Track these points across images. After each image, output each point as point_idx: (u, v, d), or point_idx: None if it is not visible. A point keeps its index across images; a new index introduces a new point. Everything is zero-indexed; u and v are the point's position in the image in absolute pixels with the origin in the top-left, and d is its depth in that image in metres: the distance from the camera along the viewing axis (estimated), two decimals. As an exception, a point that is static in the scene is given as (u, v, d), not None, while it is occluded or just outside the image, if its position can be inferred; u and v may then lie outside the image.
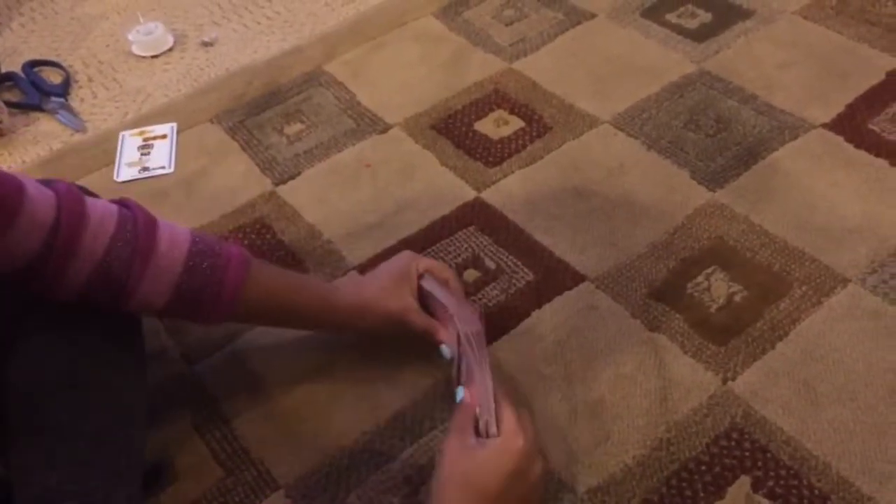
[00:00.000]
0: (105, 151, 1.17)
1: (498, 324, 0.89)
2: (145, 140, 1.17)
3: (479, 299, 0.92)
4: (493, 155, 1.09)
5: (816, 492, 0.73)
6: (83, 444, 0.70)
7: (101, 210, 0.69)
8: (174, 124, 1.19)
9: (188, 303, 0.72)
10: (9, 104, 1.24)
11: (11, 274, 0.67)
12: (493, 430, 0.68)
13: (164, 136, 1.18)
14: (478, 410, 0.69)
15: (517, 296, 0.92)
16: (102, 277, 0.68)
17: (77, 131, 1.22)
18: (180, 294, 0.71)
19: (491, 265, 0.95)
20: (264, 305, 0.77)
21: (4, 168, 1.15)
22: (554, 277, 0.93)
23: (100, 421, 0.72)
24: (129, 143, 1.17)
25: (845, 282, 0.89)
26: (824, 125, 1.07)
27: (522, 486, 0.65)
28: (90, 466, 0.70)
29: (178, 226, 0.74)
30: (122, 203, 0.72)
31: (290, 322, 0.84)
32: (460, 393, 0.72)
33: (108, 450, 0.71)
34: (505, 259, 0.96)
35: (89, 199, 0.70)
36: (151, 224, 0.71)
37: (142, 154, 1.15)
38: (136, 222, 0.70)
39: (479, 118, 1.15)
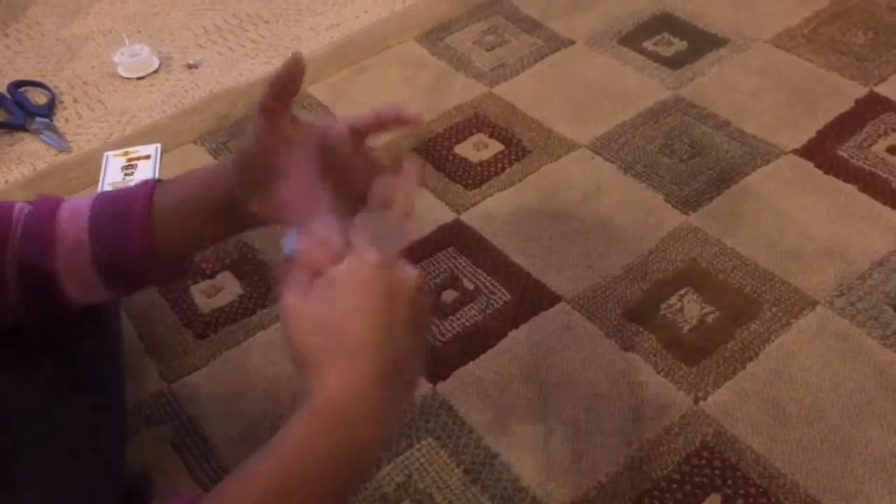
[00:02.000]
0: (89, 171, 1.18)
1: (476, 344, 0.90)
2: (129, 160, 1.18)
3: (458, 319, 0.93)
4: (473, 178, 1.11)
5: (784, 509, 0.75)
6: (61, 465, 0.71)
7: (18, 210, 0.66)
8: (158, 145, 1.21)
9: (112, 264, 0.65)
10: (-7, 124, 1.25)
11: None
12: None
13: (147, 157, 1.19)
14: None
15: (494, 316, 0.93)
16: (28, 276, 0.65)
17: (61, 151, 1.23)
18: (100, 256, 0.64)
19: (469, 286, 0.97)
20: (180, 225, 0.65)
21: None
22: (531, 298, 0.95)
23: (76, 441, 0.72)
24: (113, 164, 1.18)
25: (814, 304, 0.91)
26: (795, 151, 1.10)
27: (401, 312, 0.50)
28: (69, 488, 0.70)
29: (84, 198, 0.67)
30: (37, 196, 0.69)
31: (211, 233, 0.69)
32: (290, 243, 0.56)
33: (86, 470, 0.72)
34: (483, 280, 0.97)
35: (16, 205, 0.67)
36: (52, 206, 0.66)
37: (125, 174, 1.16)
38: (36, 212, 0.66)
39: (459, 141, 1.17)
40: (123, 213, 0.64)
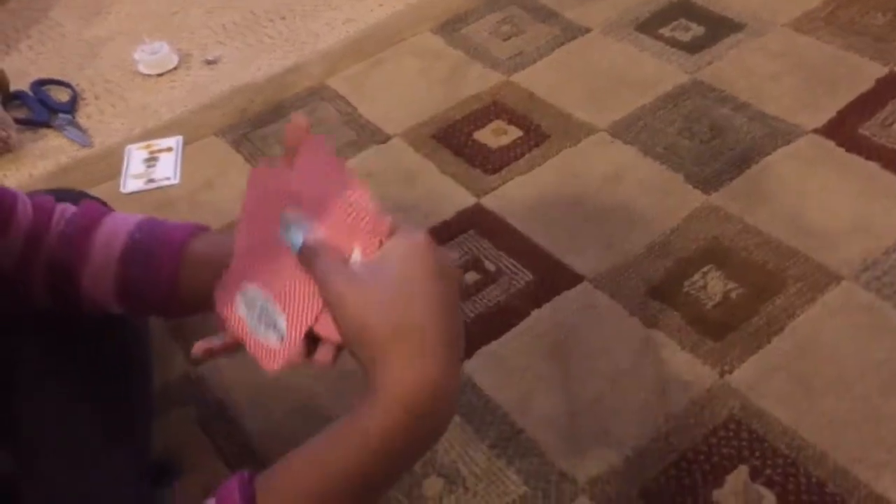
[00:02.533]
0: (111, 165, 1.19)
1: (499, 323, 0.90)
2: (151, 153, 1.20)
3: (480, 300, 0.93)
4: (492, 163, 1.11)
5: (814, 479, 0.74)
6: (90, 444, 0.72)
7: (60, 213, 0.67)
8: (180, 137, 1.22)
9: (134, 296, 0.65)
10: (17, 121, 1.27)
11: None
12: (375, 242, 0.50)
13: (169, 149, 1.20)
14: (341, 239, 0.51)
15: (517, 296, 0.93)
16: (55, 279, 0.66)
17: (84, 146, 1.25)
18: (124, 288, 0.64)
19: (491, 267, 0.97)
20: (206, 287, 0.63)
21: (12, 182, 1.18)
22: (553, 278, 0.95)
23: (106, 422, 0.73)
24: (136, 156, 1.19)
25: (839, 279, 0.91)
26: (816, 130, 1.10)
27: (452, 290, 0.48)
28: (98, 466, 0.71)
29: (127, 217, 0.67)
30: (83, 203, 0.69)
31: None
32: (297, 235, 0.52)
33: (115, 449, 0.72)
34: (504, 261, 0.97)
35: (59, 205, 0.68)
36: (93, 222, 0.66)
37: (147, 166, 1.17)
38: (77, 221, 0.66)
39: (477, 128, 1.17)
40: (155, 255, 0.64)
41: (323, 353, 0.52)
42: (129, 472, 0.70)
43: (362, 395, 0.46)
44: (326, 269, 0.49)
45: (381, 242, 0.50)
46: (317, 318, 0.51)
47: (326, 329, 0.51)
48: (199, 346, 0.58)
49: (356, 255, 0.50)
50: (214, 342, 0.58)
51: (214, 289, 0.57)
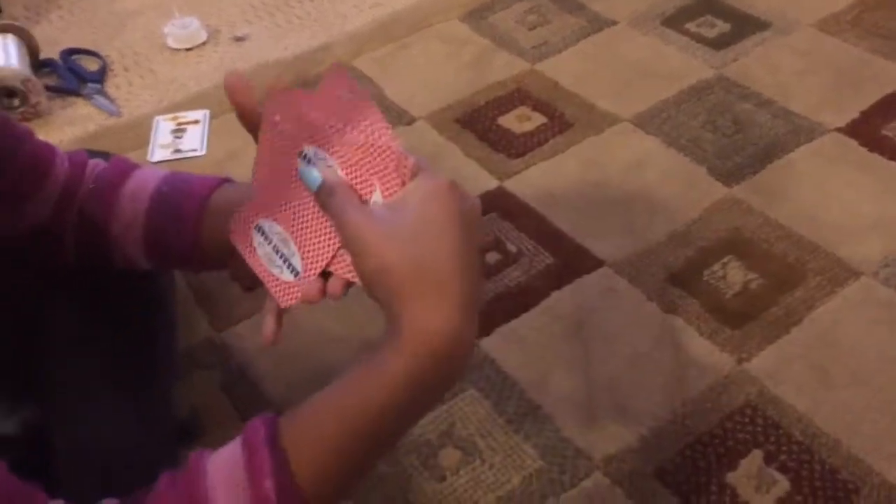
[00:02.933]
0: (139, 134, 1.21)
1: (518, 303, 0.91)
2: (178, 124, 1.21)
3: (501, 280, 0.94)
4: (516, 148, 1.12)
5: (827, 466, 0.75)
6: (117, 398, 0.73)
7: (92, 167, 0.69)
8: (207, 111, 1.23)
9: (160, 247, 0.66)
10: (47, 88, 1.28)
11: (20, 239, 0.67)
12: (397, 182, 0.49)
13: (196, 122, 1.21)
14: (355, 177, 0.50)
15: (537, 277, 0.94)
16: (84, 231, 0.67)
17: (112, 115, 1.26)
18: (151, 239, 0.66)
19: (512, 248, 0.98)
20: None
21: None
22: (573, 261, 0.96)
23: (132, 377, 0.75)
24: (163, 127, 1.21)
25: (858, 274, 0.91)
26: (839, 129, 1.10)
27: (473, 233, 0.47)
28: (124, 420, 0.72)
29: (155, 171, 0.68)
30: (112, 158, 0.71)
31: None
32: (314, 172, 0.50)
33: (140, 404, 0.74)
34: (526, 243, 0.98)
35: (91, 160, 0.69)
36: (122, 175, 0.67)
37: (175, 137, 1.19)
38: (106, 176, 0.67)
39: (502, 114, 1.18)
40: (178, 207, 0.65)
41: (333, 287, 0.52)
42: (154, 426, 0.72)
43: (382, 336, 0.46)
44: (344, 208, 0.48)
45: (403, 183, 0.49)
46: (333, 257, 0.51)
47: (343, 268, 0.51)
48: (267, 338, 0.58)
49: (377, 196, 0.49)
50: (269, 324, 0.58)
51: (231, 223, 0.56)
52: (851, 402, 0.79)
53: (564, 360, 0.86)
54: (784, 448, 0.76)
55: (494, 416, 0.81)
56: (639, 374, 0.83)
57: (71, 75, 1.32)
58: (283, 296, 0.55)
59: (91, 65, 1.36)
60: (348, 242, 0.48)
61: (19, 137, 0.65)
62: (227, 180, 0.66)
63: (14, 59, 1.24)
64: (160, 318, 0.81)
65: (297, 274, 0.53)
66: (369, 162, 0.50)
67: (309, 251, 0.52)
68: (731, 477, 0.75)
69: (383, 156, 0.49)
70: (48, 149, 0.68)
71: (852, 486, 0.73)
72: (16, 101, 1.23)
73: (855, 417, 0.78)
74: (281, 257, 0.54)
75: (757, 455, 0.76)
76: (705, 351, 0.85)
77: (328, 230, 0.51)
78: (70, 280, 0.74)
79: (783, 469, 0.75)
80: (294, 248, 0.53)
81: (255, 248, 0.55)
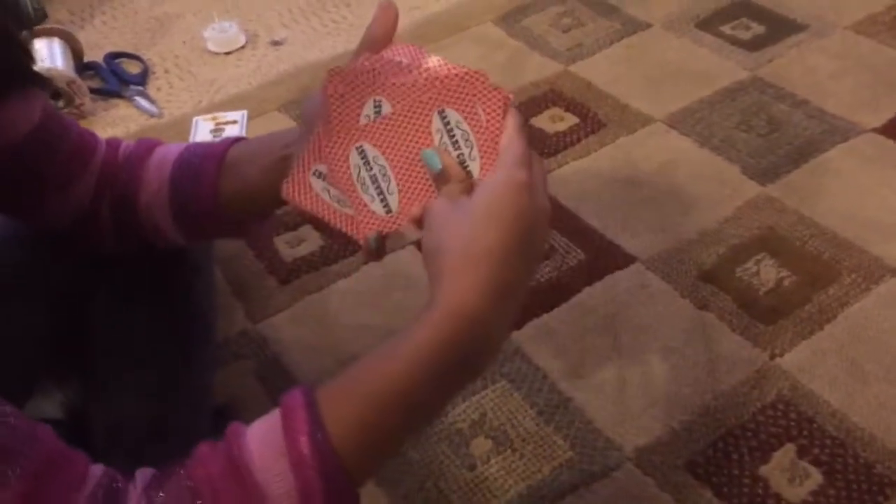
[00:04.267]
0: (179, 133, 1.23)
1: (550, 298, 0.92)
2: (217, 124, 1.24)
3: (532, 275, 0.95)
4: (549, 146, 1.13)
5: (862, 460, 0.74)
6: (158, 377, 0.75)
7: (124, 148, 0.71)
8: (245, 111, 1.26)
9: (184, 211, 0.68)
10: (91, 90, 1.32)
11: (66, 229, 0.70)
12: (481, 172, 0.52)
13: (234, 122, 1.24)
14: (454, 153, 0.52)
15: (569, 273, 0.95)
16: (118, 209, 0.69)
17: (153, 116, 1.29)
18: (176, 203, 0.68)
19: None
20: (245, 192, 0.67)
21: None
22: (605, 258, 0.96)
23: (172, 359, 0.77)
24: (202, 127, 1.23)
25: (894, 272, 0.91)
26: (875, 129, 1.09)
27: (526, 234, 0.49)
28: (164, 398, 0.74)
29: (179, 145, 0.71)
30: (139, 139, 0.73)
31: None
32: (434, 158, 0.53)
33: (179, 380, 0.76)
34: (557, 240, 0.99)
35: (124, 143, 0.72)
36: (147, 151, 0.70)
37: (214, 136, 1.21)
38: (133, 153, 0.70)
39: (535, 114, 1.19)
40: (198, 167, 0.67)
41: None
42: (192, 404, 0.73)
43: (422, 308, 0.48)
44: (441, 192, 0.52)
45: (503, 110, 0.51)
46: (429, 200, 0.53)
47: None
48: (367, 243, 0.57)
49: (475, 171, 0.52)
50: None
51: (286, 175, 0.58)
52: (886, 397, 0.79)
53: (595, 353, 0.86)
54: (817, 442, 0.76)
55: (525, 408, 0.82)
56: (670, 368, 0.84)
57: (113, 77, 1.36)
58: (362, 227, 0.56)
59: (133, 68, 1.40)
60: (426, 221, 0.52)
61: (66, 126, 0.67)
62: (241, 139, 0.68)
63: (59, 62, 1.28)
64: (200, 299, 0.83)
65: (389, 211, 0.55)
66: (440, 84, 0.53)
67: (408, 188, 0.54)
68: (764, 470, 0.75)
69: (470, 82, 0.52)
70: (91, 136, 0.71)
71: (888, 480, 0.73)
72: (61, 103, 1.27)
73: (889, 412, 0.78)
74: (377, 188, 0.55)
75: (790, 448, 0.76)
76: (737, 346, 0.85)
77: (430, 183, 0.54)
78: (111, 267, 0.77)
79: (816, 462, 0.75)
80: (395, 186, 0.55)
81: (317, 194, 0.57)
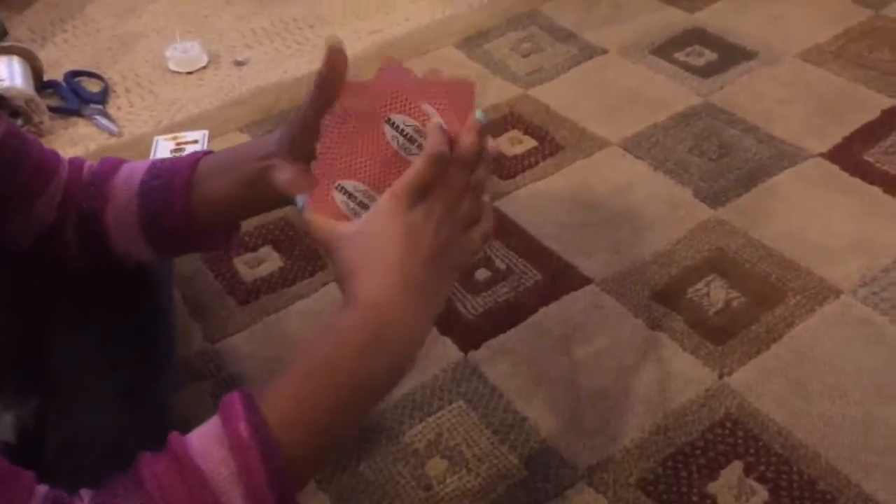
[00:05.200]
0: (139, 153, 1.23)
1: (507, 318, 0.94)
2: (178, 144, 1.24)
3: (490, 296, 0.96)
4: (507, 169, 1.15)
5: (805, 477, 0.76)
6: (116, 393, 0.75)
7: (88, 167, 0.73)
8: (206, 131, 1.26)
9: (155, 225, 0.70)
10: (50, 108, 1.31)
11: (28, 246, 0.71)
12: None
13: (195, 142, 1.24)
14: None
15: (525, 294, 0.97)
16: (84, 227, 0.71)
17: (113, 135, 1.29)
18: (145, 218, 0.70)
19: (501, 265, 1.00)
20: (216, 201, 0.70)
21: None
22: (561, 279, 0.98)
23: (131, 379, 0.77)
24: (163, 146, 1.24)
25: (838, 293, 0.94)
26: (821, 154, 1.13)
27: (425, 239, 0.55)
28: (121, 414, 0.74)
29: (144, 162, 0.73)
30: (103, 158, 0.75)
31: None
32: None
33: (138, 405, 0.76)
34: (514, 261, 1.01)
35: (87, 162, 0.74)
36: (112, 168, 0.72)
37: (174, 156, 1.21)
38: (98, 171, 0.72)
39: (494, 136, 1.20)
40: (168, 181, 0.69)
41: None
42: (150, 425, 0.73)
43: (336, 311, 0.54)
44: (319, 219, 0.58)
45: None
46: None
47: None
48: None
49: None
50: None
51: (311, 184, 0.60)
52: (829, 416, 0.81)
53: (551, 373, 0.88)
54: (763, 459, 0.78)
55: (481, 427, 0.83)
56: (623, 388, 0.85)
57: (73, 96, 1.35)
58: None
59: (93, 86, 1.39)
60: (326, 243, 0.57)
61: (28, 144, 0.68)
62: (210, 152, 0.71)
63: (18, 80, 1.28)
64: (160, 317, 0.83)
65: None
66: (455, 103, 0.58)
67: None
68: (712, 487, 0.77)
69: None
70: (53, 154, 0.71)
71: (830, 496, 0.75)
72: (20, 121, 1.26)
73: (832, 430, 0.80)
74: (365, 211, 0.59)
75: (737, 466, 0.78)
76: (688, 366, 0.87)
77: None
78: (72, 284, 0.77)
79: (762, 479, 0.77)
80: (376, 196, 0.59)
81: (337, 206, 0.60)
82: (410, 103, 0.58)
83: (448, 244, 0.56)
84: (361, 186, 0.59)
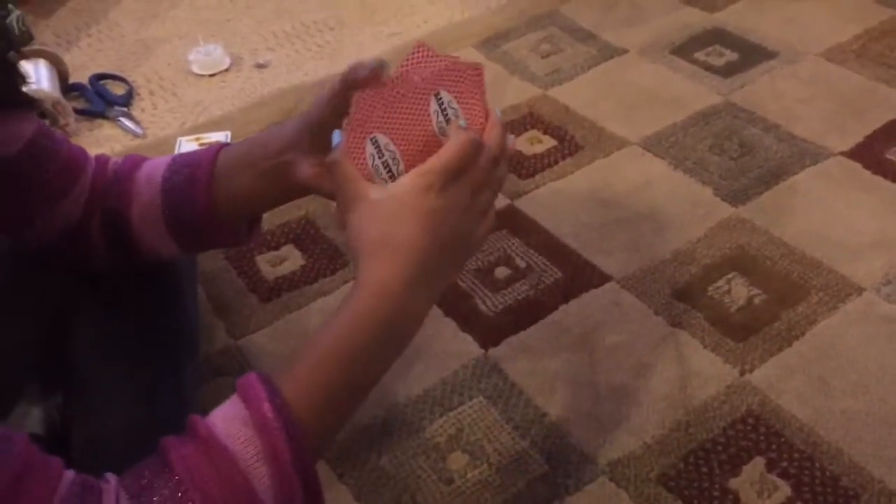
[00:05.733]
0: (162, 153, 1.22)
1: (527, 315, 0.94)
2: (201, 145, 1.25)
3: (510, 293, 0.97)
4: (526, 168, 1.15)
5: (828, 473, 0.76)
6: (138, 391, 0.76)
7: (112, 164, 0.74)
8: (228, 132, 1.28)
9: (179, 220, 0.71)
10: (75, 111, 1.33)
11: (54, 244, 0.72)
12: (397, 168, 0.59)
13: (218, 143, 1.26)
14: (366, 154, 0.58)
15: (545, 291, 0.97)
16: (109, 225, 0.72)
17: (137, 137, 1.31)
18: (169, 213, 0.70)
19: (521, 264, 1.00)
20: (238, 193, 0.70)
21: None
22: (581, 277, 0.98)
23: (156, 375, 0.78)
24: (186, 147, 1.25)
25: (860, 290, 0.93)
26: (843, 153, 1.13)
27: (443, 227, 0.55)
28: (146, 413, 0.75)
29: (165, 157, 0.73)
30: (125, 156, 0.75)
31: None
32: (336, 136, 0.61)
33: (163, 400, 0.77)
34: (535, 259, 1.01)
35: (112, 159, 0.75)
36: (134, 165, 0.73)
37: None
38: (121, 168, 0.73)
39: (514, 136, 1.21)
40: (190, 175, 0.70)
41: None
42: (175, 420, 0.74)
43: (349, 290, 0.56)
44: (354, 175, 0.57)
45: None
46: None
47: None
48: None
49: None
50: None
51: (343, 130, 0.60)
52: (852, 412, 0.81)
53: (571, 370, 0.88)
54: (786, 455, 0.78)
55: (502, 423, 0.83)
56: (643, 384, 0.85)
57: (98, 98, 1.37)
58: None
59: (118, 89, 1.41)
60: (347, 200, 0.57)
61: (57, 142, 0.69)
62: (226, 145, 0.72)
63: (45, 83, 1.30)
64: (184, 314, 0.84)
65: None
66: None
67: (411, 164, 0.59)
68: (734, 482, 0.76)
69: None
70: (81, 151, 0.73)
71: (853, 492, 0.74)
72: (46, 122, 1.28)
73: (855, 426, 0.80)
74: (388, 172, 0.59)
75: (759, 462, 0.78)
76: (709, 363, 0.87)
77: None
78: (96, 281, 0.78)
79: (785, 475, 0.76)
80: (403, 167, 0.59)
81: (365, 161, 0.60)
82: (459, 84, 0.60)
83: (465, 235, 0.57)
84: (392, 146, 0.59)
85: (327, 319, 0.55)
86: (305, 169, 0.65)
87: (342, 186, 0.57)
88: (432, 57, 0.60)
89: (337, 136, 0.61)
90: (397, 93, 0.58)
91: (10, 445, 0.46)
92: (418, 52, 0.60)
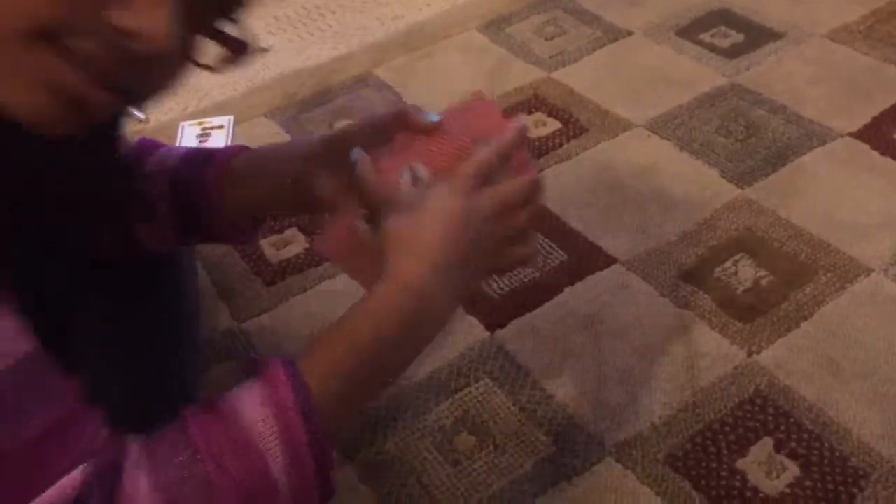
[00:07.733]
0: (165, 138, 1.23)
1: (533, 297, 0.93)
2: (203, 129, 1.25)
3: (515, 275, 0.96)
4: (532, 151, 1.15)
5: (837, 453, 0.76)
6: (143, 376, 0.76)
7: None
8: (231, 117, 1.27)
9: (186, 217, 0.72)
10: (77, 96, 1.33)
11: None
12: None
13: (221, 127, 1.25)
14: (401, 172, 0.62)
15: (551, 274, 0.96)
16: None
17: (140, 121, 1.30)
18: (176, 211, 0.72)
19: (527, 246, 1.00)
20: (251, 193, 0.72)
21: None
22: (587, 259, 0.98)
23: (159, 358, 0.78)
24: (189, 132, 1.24)
25: (868, 271, 0.93)
26: (850, 134, 1.12)
27: (468, 234, 0.58)
28: (148, 396, 0.75)
29: (180, 146, 0.76)
30: (138, 139, 0.77)
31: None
32: (354, 153, 0.63)
33: (166, 383, 0.77)
34: (540, 241, 1.00)
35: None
36: (144, 154, 0.74)
37: (200, 141, 1.22)
38: (130, 155, 0.74)
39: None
40: (200, 175, 0.71)
41: None
42: (178, 403, 0.74)
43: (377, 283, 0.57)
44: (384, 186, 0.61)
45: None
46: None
47: None
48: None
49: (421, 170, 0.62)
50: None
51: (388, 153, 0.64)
52: (860, 392, 0.80)
53: (577, 351, 0.87)
54: (794, 436, 0.77)
55: (508, 404, 0.83)
56: (650, 365, 0.85)
57: (101, 83, 1.36)
58: None
59: (120, 74, 1.40)
60: (381, 202, 0.60)
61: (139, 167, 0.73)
62: (243, 148, 0.73)
63: (47, 68, 1.29)
64: (185, 299, 0.84)
65: None
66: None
67: None
68: (742, 463, 0.76)
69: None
70: (150, 143, 0.76)
71: (862, 472, 0.74)
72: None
73: (864, 406, 0.79)
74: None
75: (767, 442, 0.77)
76: (716, 343, 0.87)
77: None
78: (96, 270, 0.78)
79: (793, 456, 0.76)
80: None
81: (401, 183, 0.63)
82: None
83: (490, 243, 0.59)
84: (426, 172, 0.62)
85: (352, 308, 0.56)
86: (326, 183, 0.66)
87: (378, 192, 0.60)
88: (485, 108, 0.65)
89: (355, 153, 0.62)
90: (439, 141, 0.63)
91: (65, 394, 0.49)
92: (473, 104, 0.65)
